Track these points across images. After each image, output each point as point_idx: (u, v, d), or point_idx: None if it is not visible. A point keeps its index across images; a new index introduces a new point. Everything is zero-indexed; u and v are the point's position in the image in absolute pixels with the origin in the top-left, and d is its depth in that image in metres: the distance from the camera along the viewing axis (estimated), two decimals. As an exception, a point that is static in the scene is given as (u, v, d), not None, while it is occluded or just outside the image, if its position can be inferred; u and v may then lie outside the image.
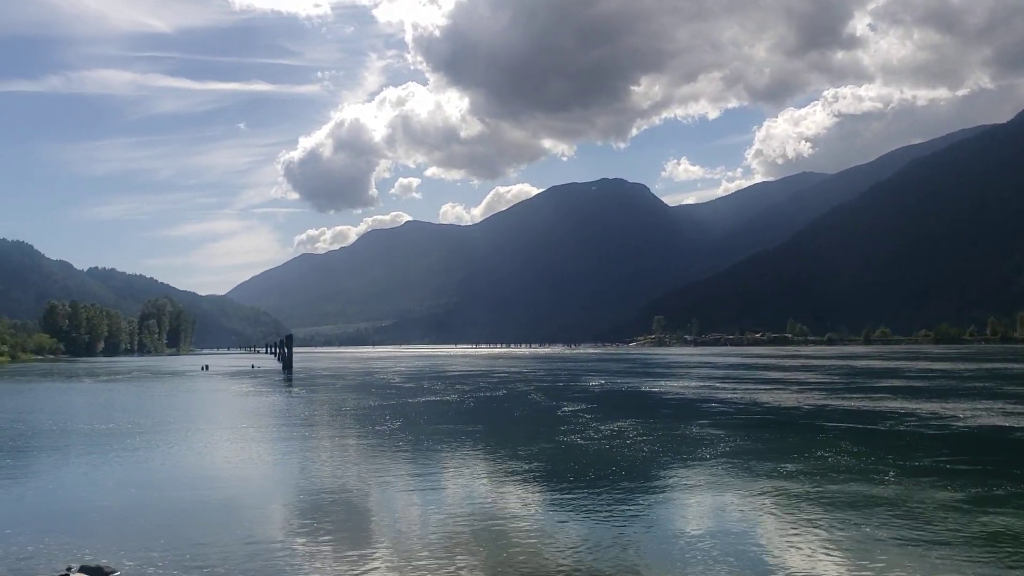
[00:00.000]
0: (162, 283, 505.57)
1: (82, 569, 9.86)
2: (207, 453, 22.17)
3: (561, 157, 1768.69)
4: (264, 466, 20.03)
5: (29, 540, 11.57)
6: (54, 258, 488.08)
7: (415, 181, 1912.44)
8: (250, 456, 21.47)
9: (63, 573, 9.79)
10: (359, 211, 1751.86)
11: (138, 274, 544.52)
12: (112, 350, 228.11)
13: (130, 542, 11.44)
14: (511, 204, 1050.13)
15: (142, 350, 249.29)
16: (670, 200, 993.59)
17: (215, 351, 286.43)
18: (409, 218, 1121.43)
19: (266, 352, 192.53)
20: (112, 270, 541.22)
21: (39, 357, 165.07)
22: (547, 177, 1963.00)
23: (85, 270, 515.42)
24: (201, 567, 10.19)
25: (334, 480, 16.98)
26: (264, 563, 10.41)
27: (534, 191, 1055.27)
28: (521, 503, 14.64)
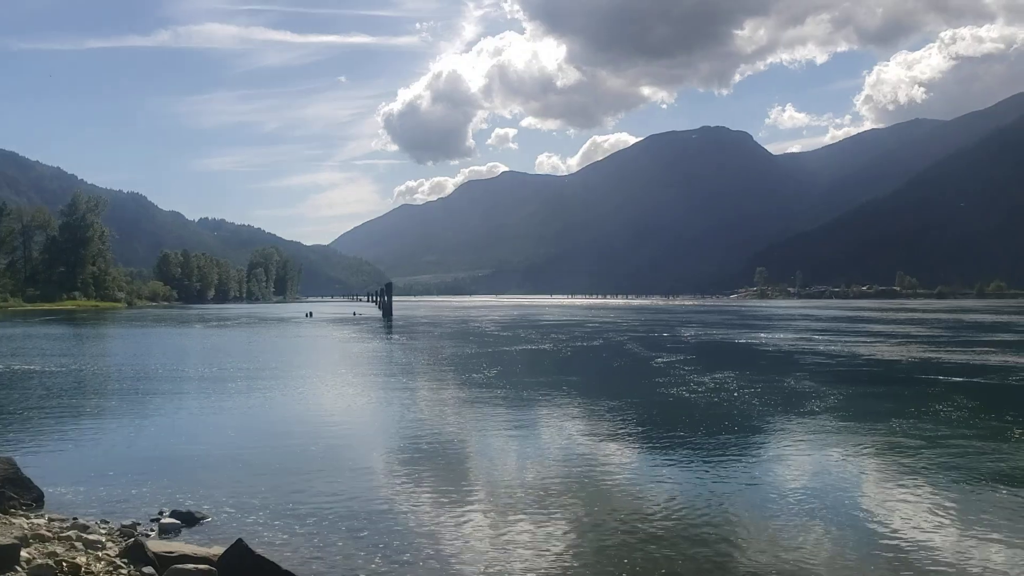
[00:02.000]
0: (269, 233, 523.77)
1: (173, 514, 9.79)
2: (309, 399, 22.36)
3: (661, 105, 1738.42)
4: (364, 413, 20.02)
5: (131, 483, 11.62)
6: (166, 209, 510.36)
7: (511, 131, 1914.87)
8: (351, 403, 21.53)
9: (155, 517, 9.76)
10: (456, 162, 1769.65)
11: (246, 224, 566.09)
12: (222, 297, 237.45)
13: (228, 488, 11.36)
14: (608, 154, 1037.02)
15: (250, 298, 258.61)
16: (774, 148, 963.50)
17: (319, 299, 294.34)
18: (505, 169, 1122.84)
19: (367, 300, 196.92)
20: (221, 220, 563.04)
21: (153, 304, 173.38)
22: (646, 126, 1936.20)
23: (196, 220, 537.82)
24: (296, 515, 10.00)
25: (433, 429, 16.77)
26: (360, 515, 10.14)
27: (632, 140, 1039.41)
28: (617, 454, 14.14)
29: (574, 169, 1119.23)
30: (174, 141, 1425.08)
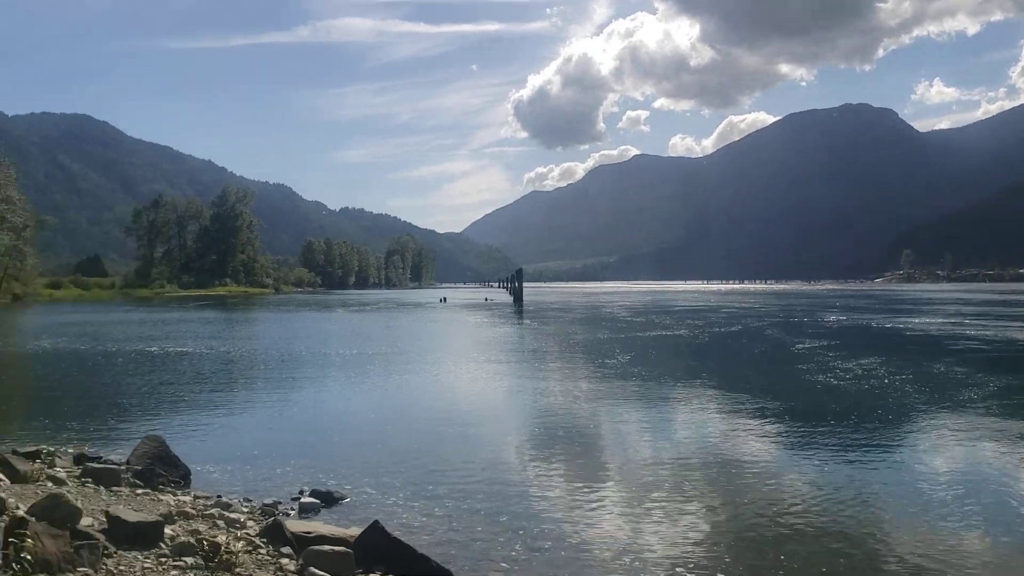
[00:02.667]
0: (405, 221, 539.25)
1: (313, 493, 9.85)
2: (445, 383, 22.47)
3: (800, 83, 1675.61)
4: (500, 397, 19.92)
5: (274, 462, 11.79)
6: (309, 199, 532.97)
7: (643, 114, 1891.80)
8: (486, 387, 21.49)
9: (295, 496, 9.83)
10: (586, 147, 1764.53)
11: (383, 213, 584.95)
12: (362, 283, 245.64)
13: (368, 469, 11.38)
14: (745, 134, 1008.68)
15: (388, 284, 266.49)
16: (921, 125, 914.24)
17: (452, 285, 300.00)
18: (637, 152, 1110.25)
19: (498, 286, 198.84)
20: (361, 210, 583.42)
21: (298, 289, 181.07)
22: (784, 104, 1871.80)
23: (337, 210, 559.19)
24: (433, 497, 9.89)
25: (568, 415, 16.44)
26: (498, 500, 9.93)
27: (770, 119, 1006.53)
28: (757, 444, 13.40)
29: (709, 151, 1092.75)
30: (316, 133, 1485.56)
